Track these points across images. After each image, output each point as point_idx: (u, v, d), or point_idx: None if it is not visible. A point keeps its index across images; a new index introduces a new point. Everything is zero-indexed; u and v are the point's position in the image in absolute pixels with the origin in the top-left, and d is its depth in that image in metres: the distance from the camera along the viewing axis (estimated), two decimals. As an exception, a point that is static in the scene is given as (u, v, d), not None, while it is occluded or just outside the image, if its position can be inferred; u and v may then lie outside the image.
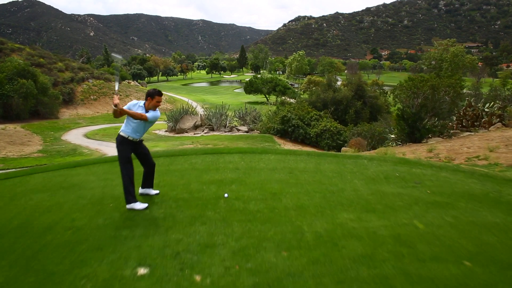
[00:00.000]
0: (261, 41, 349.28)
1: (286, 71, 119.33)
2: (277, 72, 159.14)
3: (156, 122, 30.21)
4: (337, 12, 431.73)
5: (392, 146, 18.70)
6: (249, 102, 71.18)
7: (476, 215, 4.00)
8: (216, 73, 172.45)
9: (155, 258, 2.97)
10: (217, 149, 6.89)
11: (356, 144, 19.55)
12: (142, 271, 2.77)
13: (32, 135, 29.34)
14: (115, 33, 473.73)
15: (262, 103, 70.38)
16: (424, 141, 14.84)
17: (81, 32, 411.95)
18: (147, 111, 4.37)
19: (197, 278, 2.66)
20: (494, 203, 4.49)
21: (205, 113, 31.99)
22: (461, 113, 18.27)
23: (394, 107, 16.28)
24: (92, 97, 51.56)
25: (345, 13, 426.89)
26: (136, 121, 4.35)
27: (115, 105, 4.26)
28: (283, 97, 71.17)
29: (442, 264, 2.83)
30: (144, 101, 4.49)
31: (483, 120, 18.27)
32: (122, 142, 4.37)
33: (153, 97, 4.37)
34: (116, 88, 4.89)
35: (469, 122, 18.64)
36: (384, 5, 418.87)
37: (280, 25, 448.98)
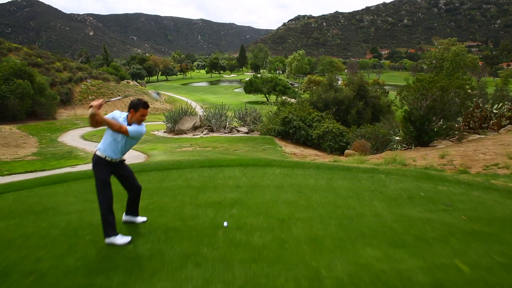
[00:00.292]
0: (260, 41, 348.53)
1: (286, 70, 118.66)
2: (277, 71, 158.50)
3: (155, 123, 29.67)
4: (336, 11, 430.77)
5: (398, 149, 18.03)
6: (249, 102, 70.50)
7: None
8: (216, 72, 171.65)
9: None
10: (215, 161, 6.16)
11: (359, 146, 18.89)
12: None
13: (28, 137, 28.66)
14: (114, 32, 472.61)
15: (262, 102, 69.71)
16: (432, 144, 14.16)
17: (81, 32, 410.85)
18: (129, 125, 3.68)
19: None
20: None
21: (205, 114, 31.32)
22: (469, 115, 17.59)
23: (400, 109, 15.60)
24: (90, 97, 50.79)
25: (345, 12, 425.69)
26: (115, 137, 3.65)
27: (91, 107, 3.55)
28: (283, 97, 70.50)
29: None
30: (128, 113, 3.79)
31: (491, 122, 17.60)
32: (98, 163, 3.65)
33: (137, 109, 3.67)
34: (111, 99, 4.41)
35: (477, 124, 17.97)
36: (384, 4, 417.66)
37: (280, 24, 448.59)
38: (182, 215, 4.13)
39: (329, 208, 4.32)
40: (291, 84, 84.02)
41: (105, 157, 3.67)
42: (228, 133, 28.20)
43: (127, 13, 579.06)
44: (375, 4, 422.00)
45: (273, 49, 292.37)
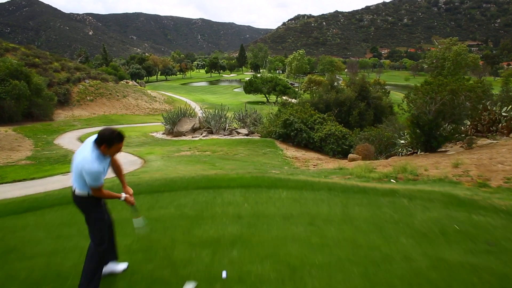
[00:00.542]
0: (260, 40, 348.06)
1: (286, 70, 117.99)
2: (277, 71, 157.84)
3: (154, 124, 28.89)
4: (336, 10, 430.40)
5: (403, 154, 17.35)
6: (249, 102, 69.85)
7: None
8: (216, 72, 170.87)
9: None
10: (213, 180, 5.41)
11: (363, 150, 18.26)
12: None
13: (23, 139, 27.98)
14: (114, 32, 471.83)
15: (262, 103, 69.07)
16: (441, 149, 13.46)
17: (80, 31, 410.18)
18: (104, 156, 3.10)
19: None
20: None
21: (204, 115, 30.63)
22: (476, 117, 16.91)
23: (408, 113, 14.93)
24: (88, 98, 50.13)
25: (345, 12, 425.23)
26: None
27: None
28: (284, 97, 69.84)
29: None
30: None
31: (500, 125, 16.93)
32: (90, 203, 3.13)
33: (111, 145, 3.05)
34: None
35: (485, 127, 17.30)
36: (384, 3, 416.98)
37: (280, 24, 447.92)
38: (173, 259, 3.45)
39: (349, 248, 3.63)
40: (291, 84, 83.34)
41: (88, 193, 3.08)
42: (228, 135, 27.54)
43: (126, 13, 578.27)
44: (375, 3, 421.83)
45: (273, 48, 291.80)
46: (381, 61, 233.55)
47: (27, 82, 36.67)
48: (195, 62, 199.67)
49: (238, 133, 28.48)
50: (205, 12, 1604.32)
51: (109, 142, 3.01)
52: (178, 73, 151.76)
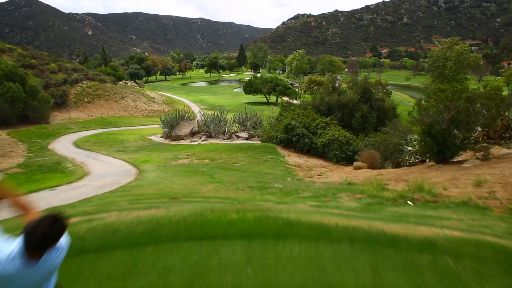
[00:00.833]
0: (260, 40, 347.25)
1: (286, 70, 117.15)
2: (277, 71, 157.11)
3: (152, 126, 28.30)
4: (336, 10, 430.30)
5: (412, 162, 16.61)
6: (249, 103, 69.09)
7: None
8: (215, 72, 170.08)
9: None
10: (208, 224, 4.34)
11: (368, 157, 17.55)
12: None
13: (17, 144, 27.26)
14: (113, 32, 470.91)
15: (262, 103, 68.34)
16: (453, 159, 12.73)
17: (79, 31, 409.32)
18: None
19: None
20: None
21: (203, 118, 29.91)
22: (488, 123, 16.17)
23: (411, 118, 14.09)
24: (85, 100, 49.44)
25: (344, 11, 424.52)
26: None
27: None
28: (284, 98, 69.08)
29: None
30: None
31: (513, 131, 16.26)
32: None
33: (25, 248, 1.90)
34: None
35: (497, 133, 16.59)
36: (384, 2, 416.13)
37: (279, 23, 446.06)
38: None
39: None
40: (291, 84, 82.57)
41: None
42: (227, 139, 26.84)
43: (126, 12, 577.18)
44: (375, 2, 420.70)
45: (273, 48, 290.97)
46: (381, 60, 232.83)
47: (23, 84, 35.99)
48: (195, 62, 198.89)
49: (238, 137, 27.77)
50: (205, 12, 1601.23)
51: (25, 244, 1.92)
52: (178, 73, 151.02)
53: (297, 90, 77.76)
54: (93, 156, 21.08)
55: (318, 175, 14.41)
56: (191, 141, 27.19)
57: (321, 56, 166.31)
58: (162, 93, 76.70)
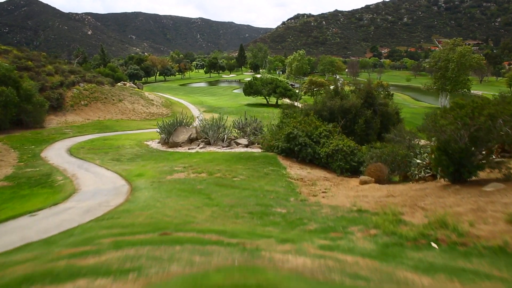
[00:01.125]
0: (260, 40, 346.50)
1: (286, 71, 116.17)
2: (277, 71, 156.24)
3: (149, 130, 27.45)
4: (336, 9, 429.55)
5: (422, 177, 15.64)
6: (249, 104, 68.26)
7: None
8: (215, 72, 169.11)
9: None
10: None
11: (375, 171, 16.61)
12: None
13: (8, 151, 26.31)
14: (113, 31, 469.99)
15: (262, 105, 67.51)
16: (471, 179, 11.72)
17: (79, 31, 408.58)
18: None
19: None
20: None
21: (201, 124, 28.95)
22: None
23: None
24: (82, 103, 48.40)
25: (344, 11, 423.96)
26: None
27: None
28: (285, 100, 68.23)
29: None
30: None
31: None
32: None
33: None
34: None
35: None
36: (384, 2, 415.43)
37: (279, 23, 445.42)
38: None
39: None
40: (291, 85, 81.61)
41: None
42: (226, 147, 25.90)
43: (125, 12, 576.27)
44: (375, 2, 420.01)
45: (273, 48, 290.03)
46: (381, 60, 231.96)
47: (16, 88, 35.01)
48: (194, 62, 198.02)
49: (238, 144, 26.84)
50: (205, 12, 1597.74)
51: None
52: (177, 73, 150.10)
53: (297, 91, 76.85)
54: (85, 166, 20.13)
55: (323, 192, 13.47)
56: (188, 149, 26.25)
57: (321, 57, 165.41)
58: (161, 94, 75.77)
